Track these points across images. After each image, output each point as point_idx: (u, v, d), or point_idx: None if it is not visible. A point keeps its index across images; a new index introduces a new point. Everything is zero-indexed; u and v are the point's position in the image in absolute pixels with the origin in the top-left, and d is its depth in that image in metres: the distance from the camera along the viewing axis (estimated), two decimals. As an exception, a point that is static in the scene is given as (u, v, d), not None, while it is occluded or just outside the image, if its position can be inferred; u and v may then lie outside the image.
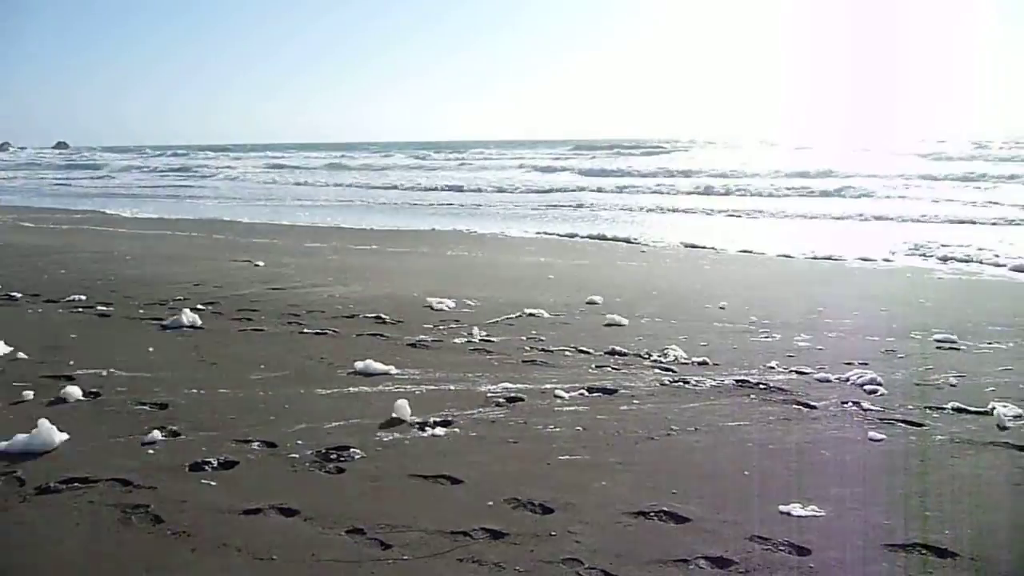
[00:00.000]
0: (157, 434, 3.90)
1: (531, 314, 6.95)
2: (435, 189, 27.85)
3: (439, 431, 4.03)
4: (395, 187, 29.28)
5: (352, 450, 3.76)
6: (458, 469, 3.53)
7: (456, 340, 6.05)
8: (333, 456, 3.70)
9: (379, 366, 5.11)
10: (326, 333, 6.29)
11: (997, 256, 10.62)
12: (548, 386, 4.80)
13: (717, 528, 2.99)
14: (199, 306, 7.13)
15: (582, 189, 25.97)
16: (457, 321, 6.71)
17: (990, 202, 18.55)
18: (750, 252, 11.89)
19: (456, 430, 4.07)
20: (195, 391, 4.70)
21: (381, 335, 6.23)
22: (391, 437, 3.95)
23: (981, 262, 10.35)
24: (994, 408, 4.38)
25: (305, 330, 6.38)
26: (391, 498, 3.26)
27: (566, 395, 4.62)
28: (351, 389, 4.78)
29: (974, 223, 15.33)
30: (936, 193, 21.24)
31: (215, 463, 3.61)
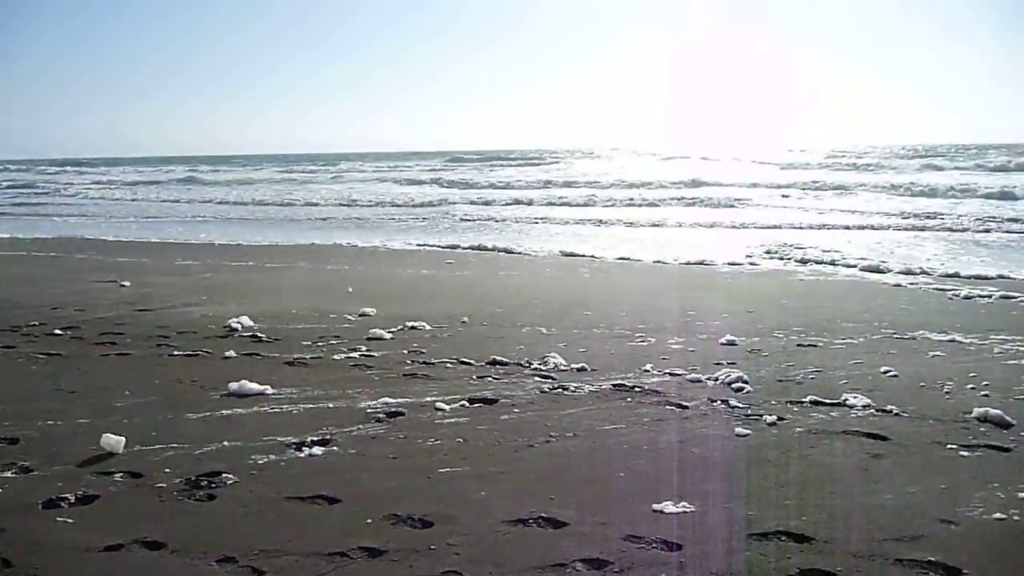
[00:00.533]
0: (6, 472, 3.63)
1: (413, 327, 6.91)
2: (314, 204, 27.14)
3: (316, 450, 3.94)
4: (278, 202, 28.32)
5: (224, 475, 3.62)
6: (336, 488, 3.46)
7: (336, 356, 5.93)
8: (203, 483, 3.55)
9: (254, 386, 4.95)
10: (198, 354, 6.03)
11: (845, 258, 11.43)
12: (429, 399, 4.78)
13: (593, 531, 3.06)
14: (57, 331, 6.69)
15: (451, 202, 25.83)
16: (338, 337, 6.59)
17: (842, 209, 19.90)
18: (627, 259, 12.28)
19: (335, 448, 3.99)
20: (51, 422, 4.40)
21: (257, 354, 6.04)
22: (266, 459, 3.82)
23: (834, 263, 11.09)
24: (846, 399, 4.71)
25: (175, 352, 6.09)
26: (265, 523, 3.16)
27: (447, 407, 4.62)
28: (224, 412, 4.59)
29: (826, 228, 16.44)
30: (794, 201, 22.61)
31: (72, 499, 3.38)
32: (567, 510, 3.24)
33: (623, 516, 3.19)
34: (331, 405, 4.71)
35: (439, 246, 14.73)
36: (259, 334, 6.64)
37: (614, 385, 5.11)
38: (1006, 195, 21.46)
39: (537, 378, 5.32)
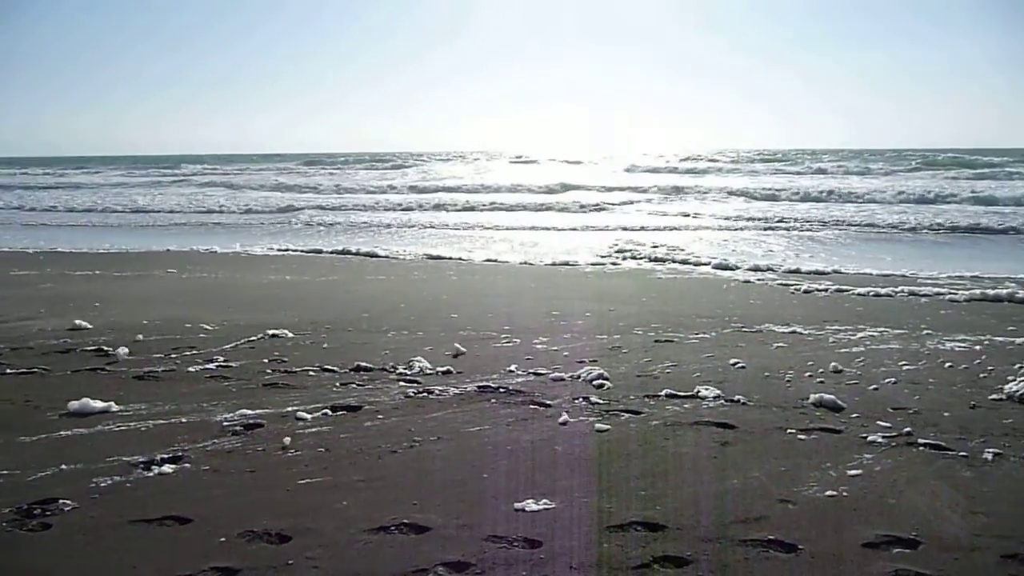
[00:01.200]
0: None
1: (274, 335, 6.68)
2: (158, 211, 25.13)
3: (167, 468, 3.73)
4: (127, 208, 26.42)
5: (61, 501, 3.36)
6: (187, 507, 3.29)
7: (190, 368, 5.65)
8: (37, 511, 3.28)
9: (98, 404, 4.63)
10: (34, 372, 5.59)
11: (699, 256, 12.06)
12: (290, 409, 4.64)
13: (456, 534, 3.07)
14: None
15: (312, 206, 24.93)
16: (193, 348, 6.28)
17: (692, 213, 20.95)
18: (495, 261, 12.41)
19: (187, 465, 3.79)
20: None
21: (102, 369, 5.66)
22: (109, 482, 3.59)
23: (686, 262, 11.65)
24: (699, 391, 4.95)
25: (7, 371, 5.61)
26: (108, 549, 2.96)
27: (309, 416, 4.50)
28: (63, 433, 4.27)
29: (680, 229, 17.28)
30: (654, 205, 23.58)
31: None
32: (430, 514, 3.23)
33: (486, 517, 3.22)
34: (184, 420, 4.48)
35: (302, 251, 14.33)
36: (105, 347, 6.22)
37: (479, 387, 5.14)
38: (834, 197, 23.29)
39: (402, 383, 5.27)
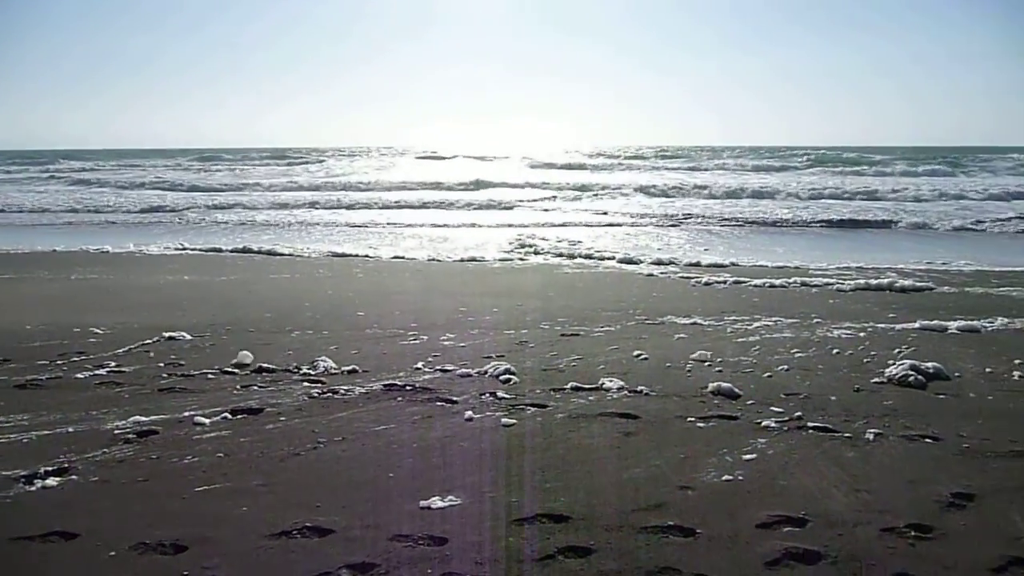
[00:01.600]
0: None
1: (171, 337, 6.43)
2: (42, 210, 23.46)
3: (51, 481, 3.54)
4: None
5: (-68, 522, 3.14)
6: (74, 522, 3.12)
7: (78, 375, 5.36)
8: (-96, 533, 3.06)
9: (-26, 416, 4.34)
10: (-99, 384, 5.19)
11: (604, 251, 12.29)
12: (187, 414, 4.48)
13: (360, 535, 3.03)
14: None
15: (208, 206, 23.91)
16: (82, 353, 5.97)
17: (597, 210, 21.33)
18: (402, 258, 12.30)
19: (73, 477, 3.60)
20: None
21: (-21, 379, 5.31)
22: (-13, 498, 3.37)
23: (591, 256, 11.85)
24: (603, 383, 5.05)
25: None
26: (-15, 570, 2.79)
27: (207, 421, 4.35)
28: (-66, 448, 3.99)
29: (586, 225, 17.59)
30: (559, 203, 23.85)
31: None
32: (334, 516, 3.18)
33: (391, 516, 3.19)
34: (71, 429, 4.25)
35: (200, 249, 13.82)
36: (-18, 356, 5.84)
37: (385, 385, 5.09)
38: (731, 194, 24.16)
39: (306, 383, 5.16)
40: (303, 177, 34.89)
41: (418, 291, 9.06)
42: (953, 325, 6.87)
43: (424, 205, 23.05)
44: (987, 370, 5.48)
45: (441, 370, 5.47)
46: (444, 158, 50.27)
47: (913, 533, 3.09)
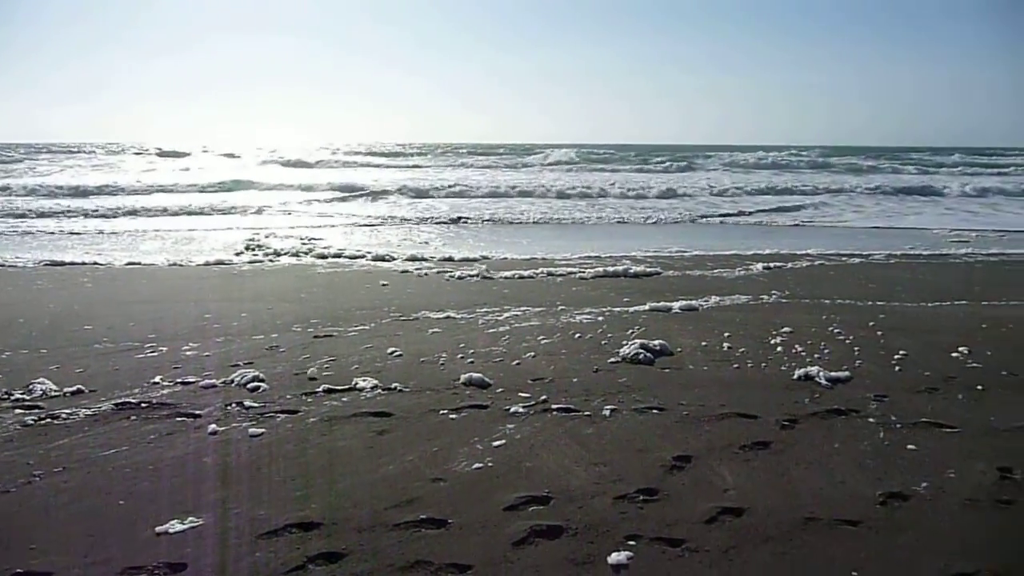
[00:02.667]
0: None
1: None
2: None
3: None
4: None
5: None
6: None
7: None
8: None
9: None
10: None
11: (357, 249, 12.19)
12: None
13: (83, 573, 2.74)
14: None
15: None
16: None
17: (348, 213, 21.08)
18: (139, 265, 11.27)
19: None
20: None
21: None
22: None
23: (341, 255, 11.66)
24: (356, 383, 5.00)
25: None
26: None
27: None
28: None
29: (340, 225, 17.35)
30: (314, 204, 23.22)
31: None
32: (52, 557, 2.85)
33: (122, 548, 2.92)
34: None
35: None
36: None
37: (116, 405, 4.64)
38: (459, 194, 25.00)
39: (19, 411, 4.56)
40: (14, 180, 30.64)
41: (157, 299, 8.36)
42: (676, 305, 7.65)
43: (165, 211, 21.26)
44: (703, 343, 6.17)
45: (182, 383, 5.10)
46: (187, 154, 46.72)
47: (642, 497, 3.40)
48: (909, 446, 4.02)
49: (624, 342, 6.02)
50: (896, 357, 5.73)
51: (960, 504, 3.37)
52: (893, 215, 20.20)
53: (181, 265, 11.20)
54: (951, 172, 38.57)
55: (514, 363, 5.57)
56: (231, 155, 45.81)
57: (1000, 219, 19.27)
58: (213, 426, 4.24)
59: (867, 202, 23.72)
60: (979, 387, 5.04)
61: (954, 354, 5.84)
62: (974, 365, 5.57)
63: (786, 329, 6.60)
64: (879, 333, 6.52)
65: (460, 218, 17.94)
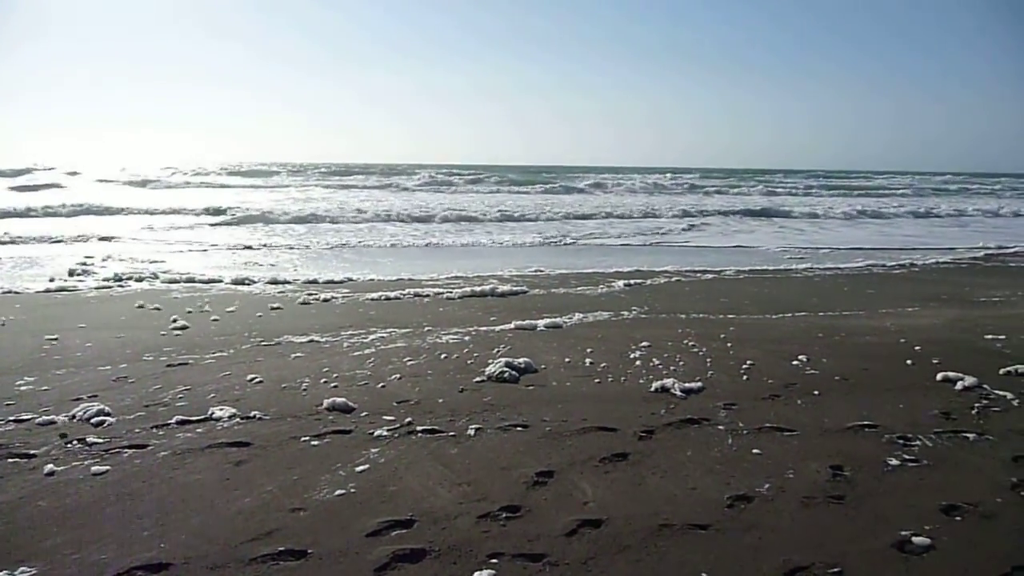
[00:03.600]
0: None
1: None
2: None
3: None
4: None
5: None
6: None
7: None
8: None
9: None
10: None
11: (214, 273, 11.68)
12: None
13: None
14: None
15: None
16: None
17: (202, 242, 20.23)
18: (-35, 292, 10.31)
19: None
20: None
21: None
22: None
23: (195, 280, 11.06)
24: (212, 413, 4.79)
25: None
26: None
27: None
28: None
29: (196, 249, 16.59)
30: (167, 229, 22.19)
31: None
32: None
33: (-61, 606, 2.66)
34: None
35: None
36: None
37: (-64, 448, 4.23)
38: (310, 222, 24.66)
39: None
40: None
41: (-13, 330, 7.68)
42: (541, 323, 7.81)
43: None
44: (566, 360, 6.33)
45: (16, 420, 4.70)
46: (27, 171, 43.35)
47: (505, 515, 3.45)
48: (754, 450, 4.28)
49: (490, 361, 6.08)
50: (744, 367, 6.09)
51: (798, 502, 3.62)
52: (740, 233, 21.51)
53: (16, 292, 10.35)
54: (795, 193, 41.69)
55: (379, 386, 5.51)
56: (75, 173, 42.94)
57: (832, 236, 20.94)
58: (50, 466, 3.94)
59: (719, 222, 25.18)
60: (815, 392, 5.45)
61: (795, 362, 6.27)
62: (812, 372, 6.01)
63: (645, 343, 6.88)
64: (729, 345, 6.92)
65: (328, 245, 17.56)
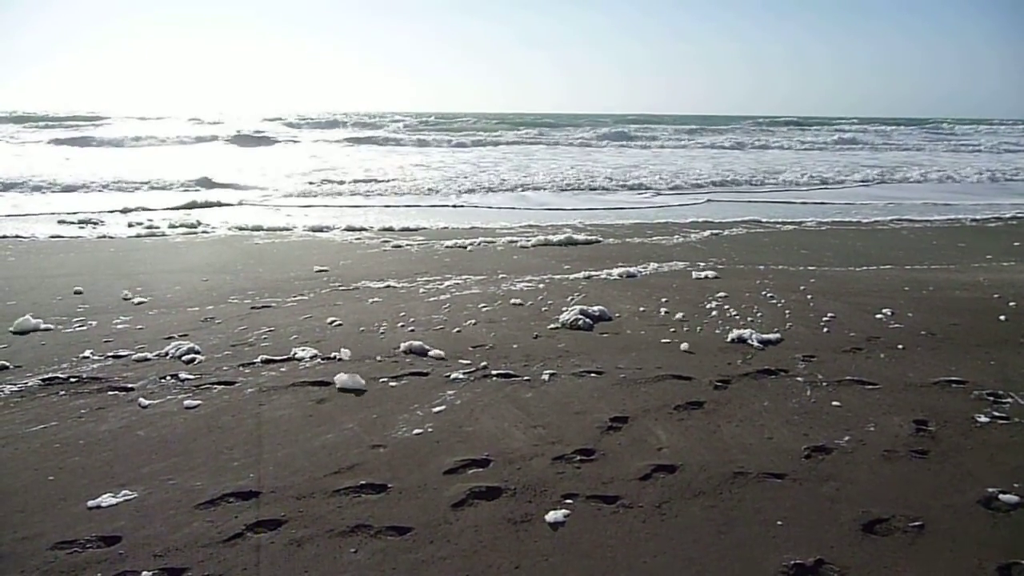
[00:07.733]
0: None
1: None
2: None
3: None
4: None
5: None
6: None
7: None
8: None
9: None
10: None
11: (292, 220, 11.96)
12: None
13: (11, 550, 2.68)
14: None
15: None
16: None
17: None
18: (61, 237, 10.87)
19: None
20: None
21: None
22: None
23: (275, 228, 11.39)
24: (295, 353, 4.95)
25: None
26: None
27: None
28: None
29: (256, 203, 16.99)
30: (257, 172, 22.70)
31: None
32: (-22, 536, 2.77)
33: (52, 523, 2.86)
34: None
35: None
36: None
37: (44, 380, 4.50)
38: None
39: (-61, 388, 4.40)
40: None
41: (85, 272, 8.09)
42: (615, 272, 7.75)
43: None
44: (640, 309, 6.28)
45: (114, 356, 4.97)
46: (106, 120, 44.86)
47: (579, 458, 3.47)
48: (834, 402, 4.19)
49: (564, 308, 6.08)
50: (824, 319, 5.93)
51: (879, 455, 3.54)
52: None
53: (110, 237, 10.85)
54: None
55: (455, 331, 5.58)
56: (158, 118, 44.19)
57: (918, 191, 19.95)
58: (149, 398, 4.15)
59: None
60: (900, 346, 5.27)
61: (878, 316, 6.07)
62: (896, 326, 5.80)
63: (721, 294, 6.76)
64: (809, 297, 6.74)
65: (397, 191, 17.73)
